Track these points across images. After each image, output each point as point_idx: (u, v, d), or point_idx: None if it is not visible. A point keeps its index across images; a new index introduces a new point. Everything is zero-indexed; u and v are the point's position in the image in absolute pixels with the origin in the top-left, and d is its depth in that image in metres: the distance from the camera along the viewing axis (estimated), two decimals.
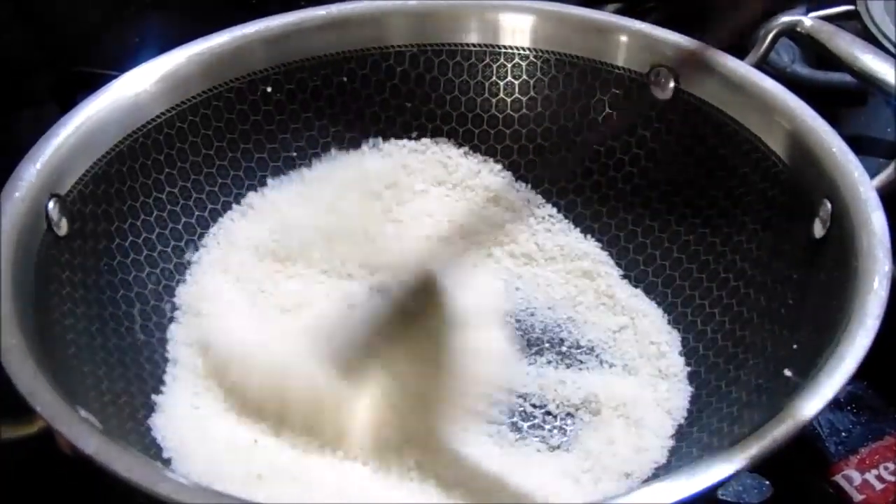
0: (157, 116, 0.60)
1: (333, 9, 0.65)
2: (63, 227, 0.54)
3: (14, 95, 0.75)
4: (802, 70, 0.78)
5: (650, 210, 0.63)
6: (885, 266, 0.48)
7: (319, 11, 0.65)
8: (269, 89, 0.64)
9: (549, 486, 0.51)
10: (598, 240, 0.65)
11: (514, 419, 0.56)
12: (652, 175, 0.63)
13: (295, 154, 0.65)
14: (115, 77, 0.60)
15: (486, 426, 0.55)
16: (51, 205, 0.53)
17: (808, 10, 0.70)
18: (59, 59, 0.78)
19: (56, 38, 0.78)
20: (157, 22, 0.76)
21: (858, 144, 0.56)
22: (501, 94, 0.67)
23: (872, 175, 0.54)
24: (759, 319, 0.56)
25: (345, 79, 0.65)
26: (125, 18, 0.78)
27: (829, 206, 0.53)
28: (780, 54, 0.78)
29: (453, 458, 0.52)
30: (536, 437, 0.55)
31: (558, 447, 0.54)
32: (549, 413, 0.56)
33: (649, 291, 0.62)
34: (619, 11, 0.72)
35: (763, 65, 0.65)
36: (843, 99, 0.76)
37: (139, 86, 0.60)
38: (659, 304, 0.61)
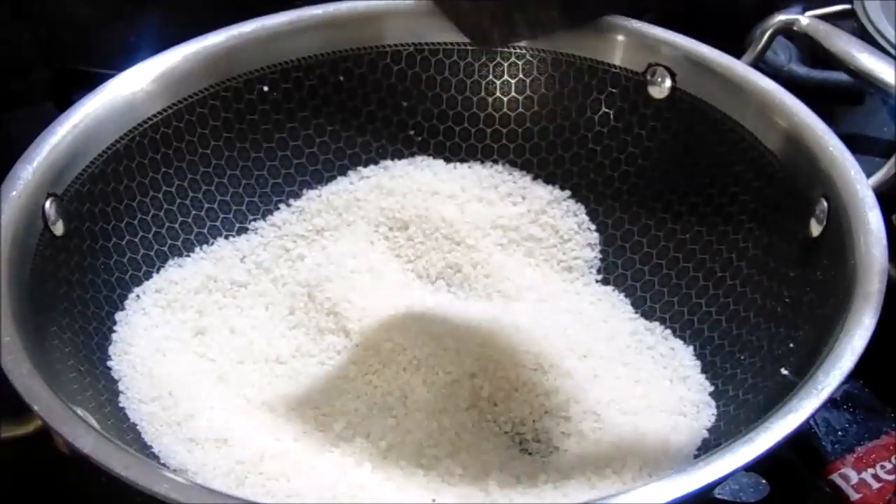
0: (154, 115, 0.60)
1: (329, 8, 0.65)
2: (59, 227, 0.54)
3: (11, 94, 0.75)
4: (799, 69, 0.78)
5: (646, 208, 0.63)
6: (881, 264, 0.49)
7: (315, 11, 0.65)
8: (265, 88, 0.64)
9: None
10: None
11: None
12: (648, 174, 0.63)
13: (290, 153, 0.65)
14: (111, 76, 0.60)
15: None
16: (48, 204, 0.53)
17: (805, 9, 0.70)
18: (55, 57, 0.78)
19: (53, 37, 0.78)
20: (154, 21, 0.76)
21: (855, 143, 0.56)
22: (498, 94, 0.66)
23: (869, 174, 0.54)
24: (755, 318, 0.56)
25: (341, 78, 0.65)
26: (122, 17, 0.78)
27: (825, 204, 0.53)
28: (777, 53, 0.78)
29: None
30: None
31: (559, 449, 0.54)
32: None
33: (645, 290, 0.62)
34: None
35: (760, 63, 0.65)
36: (840, 98, 0.76)
37: (136, 85, 0.60)
38: (655, 302, 0.61)
